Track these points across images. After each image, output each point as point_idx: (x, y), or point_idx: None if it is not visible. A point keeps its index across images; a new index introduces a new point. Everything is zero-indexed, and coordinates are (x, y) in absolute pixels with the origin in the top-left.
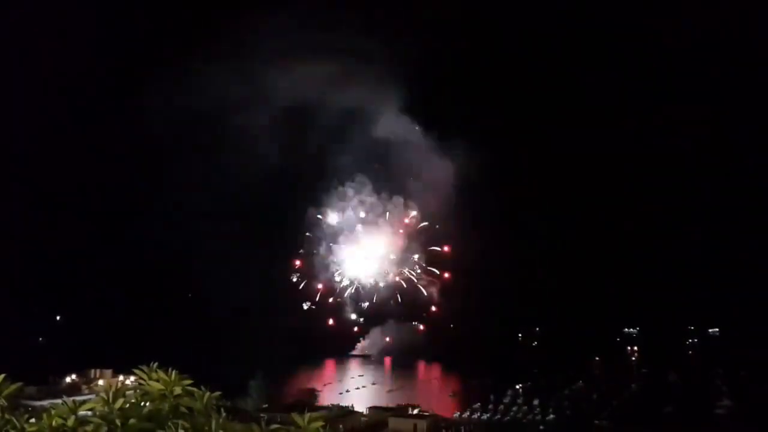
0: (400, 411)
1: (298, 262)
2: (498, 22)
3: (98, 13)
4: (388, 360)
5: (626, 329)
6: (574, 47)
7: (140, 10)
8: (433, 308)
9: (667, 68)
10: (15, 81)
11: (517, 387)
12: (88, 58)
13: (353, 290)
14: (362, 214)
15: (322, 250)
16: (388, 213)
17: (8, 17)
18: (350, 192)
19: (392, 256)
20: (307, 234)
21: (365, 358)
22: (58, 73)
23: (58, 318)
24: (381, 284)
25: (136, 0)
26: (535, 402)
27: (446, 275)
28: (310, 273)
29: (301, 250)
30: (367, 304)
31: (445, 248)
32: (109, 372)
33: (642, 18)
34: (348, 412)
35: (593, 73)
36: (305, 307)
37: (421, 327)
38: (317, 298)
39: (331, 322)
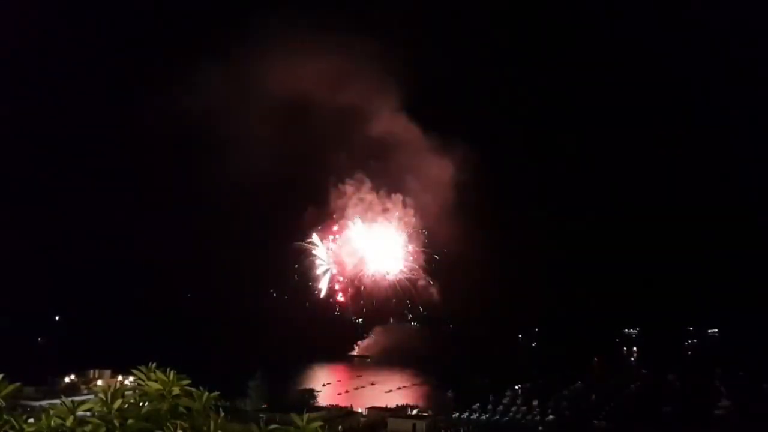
0: (399, 411)
1: (297, 262)
2: (497, 22)
3: (94, 12)
4: (387, 360)
5: (626, 330)
6: (573, 48)
7: (138, 10)
8: (433, 308)
9: (665, 74)
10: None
11: (516, 387)
12: (84, 57)
13: (353, 290)
14: (361, 212)
15: (322, 249)
16: (386, 211)
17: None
18: (349, 190)
19: (391, 255)
20: (307, 233)
21: (364, 358)
22: (55, 72)
23: (57, 318)
24: (381, 284)
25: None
26: (534, 402)
27: (445, 275)
28: (309, 273)
29: (301, 248)
30: (364, 302)
31: (444, 248)
32: (107, 372)
33: (639, 23)
34: (347, 413)
35: (592, 74)
36: (304, 306)
37: (421, 327)
38: (317, 298)
39: (330, 322)
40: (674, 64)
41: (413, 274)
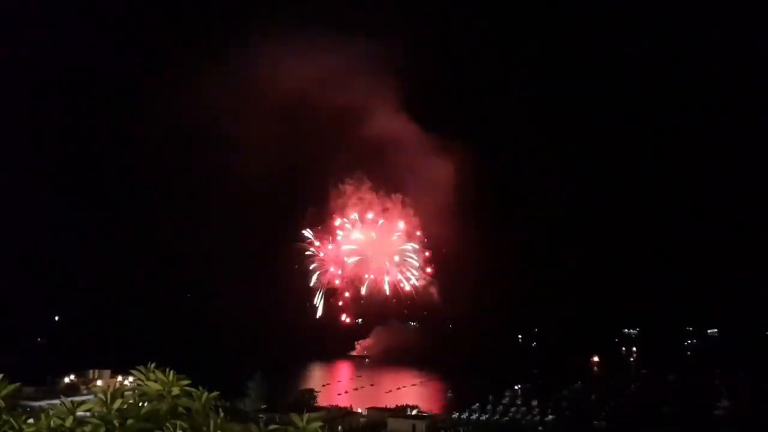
0: (398, 411)
1: (297, 262)
2: (498, 21)
3: (95, 13)
4: (387, 360)
5: (626, 330)
6: (574, 47)
7: (137, 10)
8: (433, 308)
9: (667, 74)
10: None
11: (516, 387)
12: (87, 58)
13: (353, 290)
14: (361, 212)
15: (322, 249)
16: (386, 211)
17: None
18: (349, 189)
19: (392, 255)
20: (307, 232)
21: (364, 358)
22: (57, 73)
23: (57, 318)
24: (380, 284)
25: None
26: (534, 403)
27: (445, 275)
28: (309, 273)
29: (300, 248)
30: (364, 302)
31: (444, 248)
32: (107, 372)
33: (639, 23)
34: (347, 413)
35: (594, 73)
36: (304, 306)
37: (421, 327)
38: (317, 298)
39: (330, 322)
40: (676, 64)
41: (412, 274)
